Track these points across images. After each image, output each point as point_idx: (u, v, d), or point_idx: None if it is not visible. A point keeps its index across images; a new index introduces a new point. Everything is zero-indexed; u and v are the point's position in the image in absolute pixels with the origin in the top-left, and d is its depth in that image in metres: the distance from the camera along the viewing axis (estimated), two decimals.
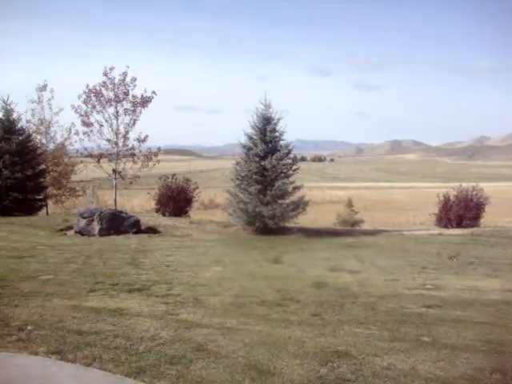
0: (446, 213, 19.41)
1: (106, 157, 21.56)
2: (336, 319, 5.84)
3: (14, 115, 21.52)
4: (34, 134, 23.71)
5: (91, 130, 20.98)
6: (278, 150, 16.96)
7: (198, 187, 21.70)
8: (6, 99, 21.18)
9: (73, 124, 23.13)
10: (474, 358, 4.58)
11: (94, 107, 20.79)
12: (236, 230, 16.95)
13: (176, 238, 14.87)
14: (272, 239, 15.12)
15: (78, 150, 23.01)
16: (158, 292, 7.01)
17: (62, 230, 15.33)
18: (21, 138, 21.05)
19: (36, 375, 3.97)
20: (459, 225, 18.65)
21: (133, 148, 21.42)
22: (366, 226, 22.60)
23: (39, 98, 24.21)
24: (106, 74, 20.67)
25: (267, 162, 16.51)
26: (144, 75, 24.82)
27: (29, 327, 5.06)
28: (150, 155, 21.67)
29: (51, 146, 24.95)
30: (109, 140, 21.08)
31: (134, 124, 21.11)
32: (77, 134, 22.14)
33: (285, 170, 17.01)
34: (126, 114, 20.93)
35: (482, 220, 19.53)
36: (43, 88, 24.24)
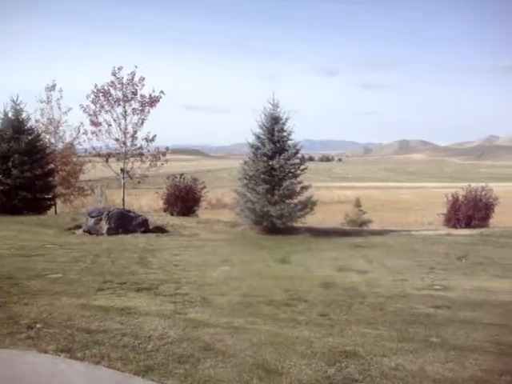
0: (455, 213, 19.30)
1: (114, 156, 21.65)
2: (344, 319, 5.82)
3: (24, 115, 21.64)
4: (43, 134, 23.85)
5: (99, 130, 21.10)
6: (286, 150, 16.96)
7: (205, 187, 21.73)
8: (15, 99, 21.31)
9: (81, 123, 23.29)
10: (483, 360, 4.55)
11: (102, 107, 20.90)
12: (243, 229, 16.96)
13: (184, 237, 14.91)
14: (280, 239, 15.12)
15: (86, 150, 23.07)
16: (165, 291, 7.02)
17: (70, 229, 15.42)
18: (30, 137, 21.17)
19: (45, 373, 4.00)
20: (468, 225, 18.54)
21: (141, 147, 21.51)
22: (374, 226, 22.54)
23: (48, 97, 24.39)
24: (114, 74, 20.76)
25: (275, 161, 16.51)
26: (152, 75, 24.95)
27: (38, 325, 5.09)
28: (158, 155, 21.74)
29: (60, 146, 25.13)
30: (117, 139, 21.18)
31: (142, 123, 21.20)
32: (85, 133, 22.32)
33: (293, 170, 17.00)
34: (134, 114, 21.03)
35: (491, 220, 19.41)
36: (52, 88, 24.41)
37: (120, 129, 21.07)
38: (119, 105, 20.88)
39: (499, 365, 4.46)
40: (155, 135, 21.49)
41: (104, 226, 14.81)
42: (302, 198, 17.09)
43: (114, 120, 21.00)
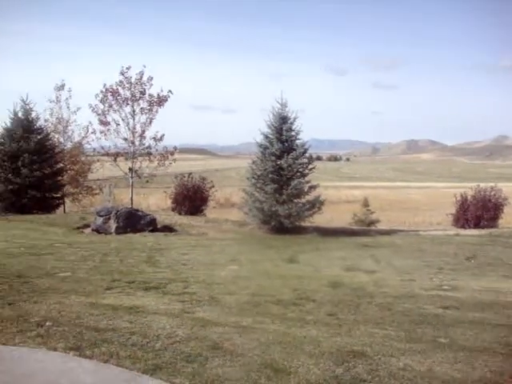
0: (464, 213, 19.19)
1: (122, 155, 21.75)
2: (352, 319, 5.81)
3: (33, 114, 21.79)
4: (52, 133, 24.02)
5: (108, 129, 21.22)
6: (294, 149, 16.95)
7: (213, 186, 21.75)
8: (24, 98, 21.46)
9: (90, 123, 23.40)
10: (493, 361, 4.52)
11: (110, 106, 21.01)
12: (251, 228, 16.97)
13: (192, 236, 14.94)
14: (288, 238, 15.12)
15: (94, 149, 23.22)
16: (174, 290, 7.04)
17: (79, 227, 15.51)
18: (39, 136, 21.31)
19: (54, 371, 4.02)
20: (477, 225, 18.43)
21: (149, 147, 21.59)
22: (382, 226, 22.46)
23: (57, 97, 24.53)
24: (122, 73, 20.84)
25: (283, 161, 16.50)
26: (160, 74, 24.97)
27: (47, 323, 5.12)
28: (167, 154, 21.80)
29: (69, 145, 25.28)
30: (125, 139, 21.28)
31: (150, 123, 21.29)
32: (94, 132, 22.43)
33: (301, 169, 16.99)
34: (142, 113, 21.11)
35: (500, 221, 19.29)
36: (61, 87, 24.56)
37: (128, 128, 21.18)
38: (128, 104, 20.99)
39: (509, 366, 4.43)
40: (163, 134, 21.60)
41: (112, 224, 14.88)
42: (310, 197, 17.08)
43: (123, 119, 21.11)
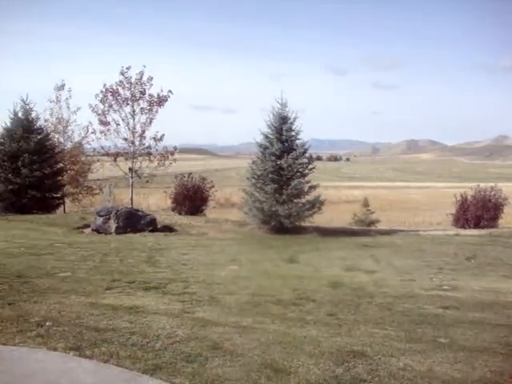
0: (464, 213, 19.20)
1: (122, 155, 21.75)
2: (352, 319, 5.81)
3: (33, 114, 21.80)
4: (52, 133, 24.02)
5: (108, 129, 21.23)
6: (294, 149, 16.96)
7: (213, 186, 21.76)
8: (24, 98, 21.46)
9: (90, 123, 23.40)
10: (493, 361, 4.52)
11: (110, 106, 21.01)
12: (251, 228, 16.97)
13: (192, 236, 14.95)
14: (288, 238, 15.12)
15: (94, 149, 23.22)
16: (174, 290, 7.04)
17: (79, 227, 15.51)
18: (39, 136, 21.31)
19: (54, 371, 4.02)
20: (477, 225, 18.43)
21: (149, 147, 21.60)
22: (382, 226, 22.47)
23: (57, 97, 24.53)
24: (122, 73, 20.85)
25: (283, 161, 16.51)
26: (160, 74, 24.96)
27: (47, 323, 5.12)
28: (167, 154, 21.81)
29: (69, 145, 25.28)
30: (125, 139, 21.29)
31: (150, 123, 21.30)
32: (94, 132, 22.44)
33: (301, 169, 16.99)
34: (142, 113, 21.12)
35: (500, 221, 19.29)
36: (61, 87, 24.55)
37: (128, 128, 21.19)
38: (128, 104, 20.99)
39: (509, 366, 4.43)
40: (163, 134, 21.60)
41: (112, 224, 14.88)
42: (310, 197, 17.08)
43: (123, 119, 21.12)
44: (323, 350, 4.65)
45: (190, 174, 22.03)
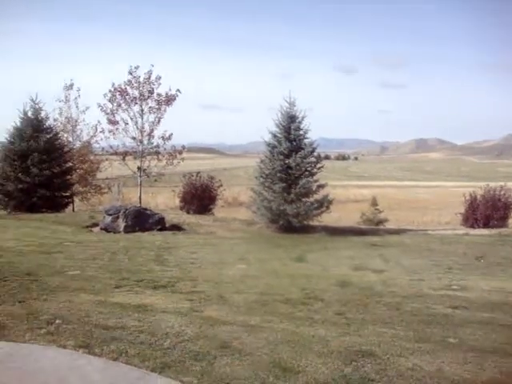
0: (473, 212, 19.07)
1: (131, 154, 21.85)
2: (360, 318, 5.80)
3: (42, 114, 21.91)
4: (61, 133, 24.12)
5: (116, 128, 21.33)
6: (303, 148, 16.92)
7: (222, 185, 21.77)
8: (34, 98, 21.58)
9: (99, 122, 23.50)
10: (503, 362, 4.48)
11: (119, 105, 21.12)
12: (260, 227, 16.97)
13: (200, 235, 14.96)
14: (296, 237, 15.10)
15: (103, 148, 23.33)
16: (182, 289, 7.06)
17: (88, 226, 15.57)
18: (48, 136, 21.43)
19: (64, 368, 4.05)
20: (486, 225, 18.30)
21: (157, 146, 21.67)
22: (390, 225, 22.35)
23: (66, 96, 24.65)
24: (131, 73, 20.93)
25: (291, 160, 16.49)
26: (168, 73, 25.03)
27: (57, 321, 5.15)
28: (175, 153, 21.86)
29: (77, 144, 25.40)
30: (134, 138, 21.39)
31: (158, 122, 21.38)
32: (102, 131, 22.55)
33: (309, 169, 16.96)
34: (150, 113, 21.22)
35: (510, 220, 19.14)
36: (70, 87, 24.66)
37: (137, 127, 21.29)
38: (136, 103, 21.10)
39: None
40: (171, 133, 21.67)
41: (121, 223, 14.93)
42: (318, 196, 17.04)
43: (131, 118, 21.23)
44: (331, 349, 4.64)
45: (199, 173, 22.06)
